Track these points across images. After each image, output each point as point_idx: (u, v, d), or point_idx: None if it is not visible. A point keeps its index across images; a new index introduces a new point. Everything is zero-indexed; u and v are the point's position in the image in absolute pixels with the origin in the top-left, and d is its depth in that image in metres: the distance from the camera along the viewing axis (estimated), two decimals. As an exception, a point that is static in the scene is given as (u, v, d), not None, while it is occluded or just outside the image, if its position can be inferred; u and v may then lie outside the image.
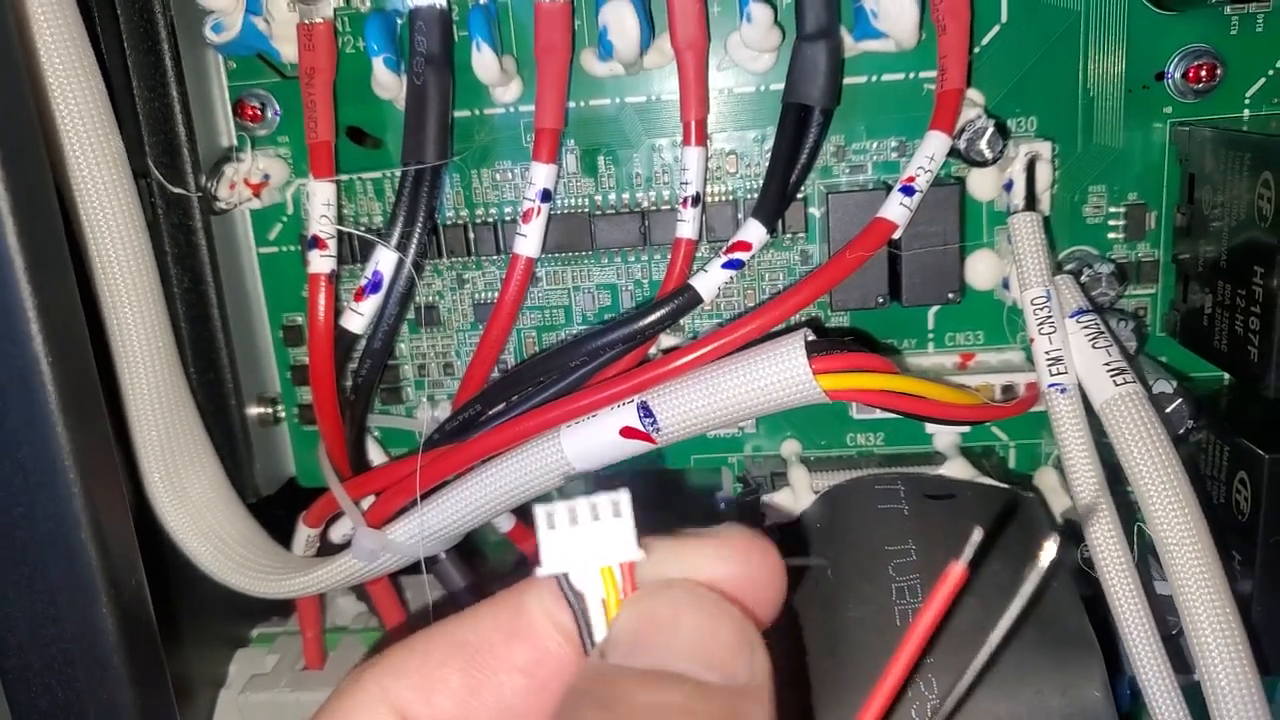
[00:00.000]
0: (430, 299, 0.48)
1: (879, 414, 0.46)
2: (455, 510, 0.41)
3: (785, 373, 0.38)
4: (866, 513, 0.42)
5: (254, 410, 0.50)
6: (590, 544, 0.24)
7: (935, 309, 0.46)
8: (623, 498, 0.24)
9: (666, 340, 0.46)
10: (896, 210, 0.39)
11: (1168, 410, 0.40)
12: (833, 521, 0.42)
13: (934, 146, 0.39)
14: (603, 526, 0.24)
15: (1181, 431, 0.40)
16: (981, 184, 0.43)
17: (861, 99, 0.44)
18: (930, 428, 0.47)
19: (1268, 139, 0.38)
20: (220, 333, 0.47)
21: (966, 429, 0.46)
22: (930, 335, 0.46)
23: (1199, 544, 0.35)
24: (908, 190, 0.39)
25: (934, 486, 0.42)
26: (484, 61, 0.42)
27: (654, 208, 0.46)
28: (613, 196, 0.46)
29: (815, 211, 0.45)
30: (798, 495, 0.44)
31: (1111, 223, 0.44)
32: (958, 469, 0.45)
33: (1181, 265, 0.43)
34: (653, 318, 0.40)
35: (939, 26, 0.40)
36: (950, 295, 0.42)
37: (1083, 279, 0.42)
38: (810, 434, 0.48)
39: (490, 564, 0.55)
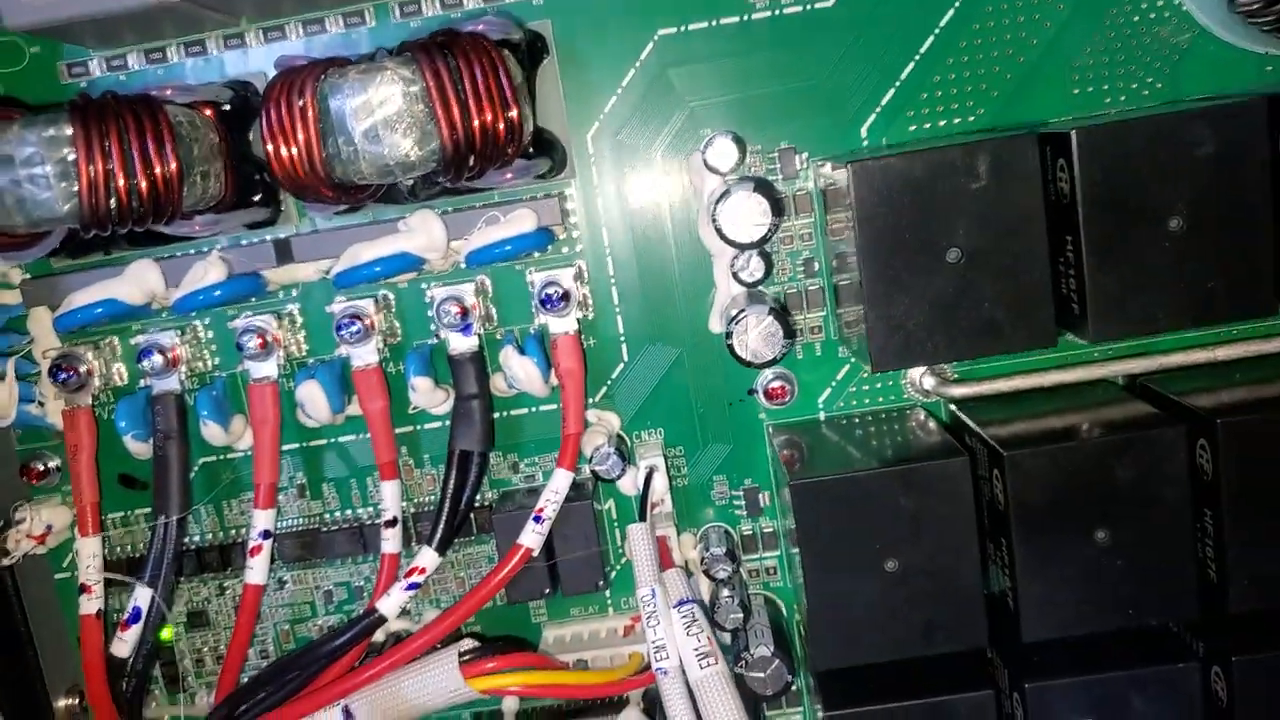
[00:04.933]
0: (198, 605, 0.58)
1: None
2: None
3: (445, 680, 0.48)
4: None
5: (62, 703, 0.59)
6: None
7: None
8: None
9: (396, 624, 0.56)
10: (530, 537, 0.50)
11: (766, 672, 0.50)
12: (521, 781, 0.52)
13: (559, 482, 0.50)
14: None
15: (781, 687, 0.50)
16: (626, 484, 0.54)
17: (529, 425, 0.55)
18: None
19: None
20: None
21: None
22: (609, 601, 0.57)
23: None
24: (538, 519, 0.50)
25: (600, 743, 0.52)
26: (210, 432, 0.53)
27: (370, 522, 0.56)
28: (337, 514, 0.56)
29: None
30: (506, 749, 0.54)
31: (735, 503, 0.56)
32: (631, 716, 0.54)
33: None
34: (343, 639, 0.50)
35: (559, 383, 0.52)
36: (598, 584, 0.53)
37: (704, 562, 0.53)
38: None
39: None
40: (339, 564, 0.57)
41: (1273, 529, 0.45)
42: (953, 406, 0.52)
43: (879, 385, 0.54)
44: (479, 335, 0.52)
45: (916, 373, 0.53)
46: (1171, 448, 0.44)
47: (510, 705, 0.57)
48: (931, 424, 0.51)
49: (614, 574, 0.56)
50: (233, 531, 0.57)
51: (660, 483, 0.53)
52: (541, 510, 0.50)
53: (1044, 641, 0.47)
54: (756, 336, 0.47)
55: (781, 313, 0.48)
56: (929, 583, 0.46)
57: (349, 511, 0.56)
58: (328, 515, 0.56)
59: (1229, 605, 0.45)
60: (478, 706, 0.58)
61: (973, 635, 0.46)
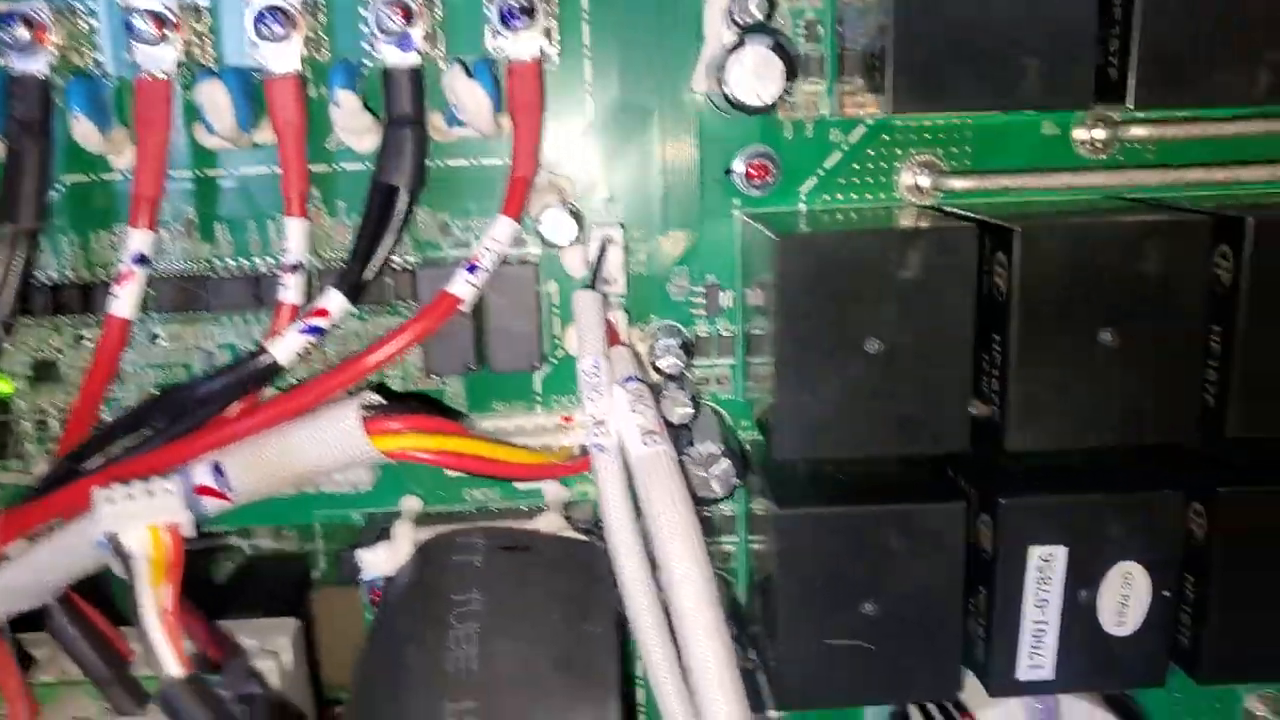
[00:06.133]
0: (49, 356, 0.49)
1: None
2: (24, 569, 0.42)
3: (342, 433, 0.40)
4: (443, 565, 0.44)
5: None
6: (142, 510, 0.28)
7: (541, 374, 0.50)
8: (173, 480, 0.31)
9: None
10: (461, 286, 0.43)
11: (713, 470, 0.44)
12: (416, 575, 0.45)
13: (500, 229, 0.43)
14: (155, 499, 0.28)
15: (729, 489, 0.45)
16: (574, 261, 0.48)
17: (465, 180, 0.48)
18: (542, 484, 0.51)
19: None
20: None
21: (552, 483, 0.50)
22: (538, 398, 0.50)
23: (702, 605, 0.39)
24: (472, 268, 0.43)
25: (512, 539, 0.46)
26: (83, 131, 0.43)
27: (270, 274, 0.48)
28: (231, 262, 0.48)
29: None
30: (396, 551, 0.47)
31: (694, 299, 0.49)
32: (549, 521, 0.48)
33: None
34: (220, 383, 0.42)
35: (512, 120, 0.44)
36: (533, 364, 0.46)
37: (653, 352, 0.47)
38: (430, 489, 0.51)
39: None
40: (227, 320, 0.48)
41: (1285, 352, 0.41)
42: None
43: (870, 181, 0.48)
44: (419, 55, 0.44)
45: (910, 172, 0.48)
46: (1194, 241, 0.40)
47: (411, 505, 0.50)
48: (929, 215, 0.46)
49: (550, 369, 0.49)
50: (100, 270, 0.48)
51: (616, 258, 0.47)
52: (477, 259, 0.43)
53: (1021, 460, 0.42)
54: (753, 70, 0.41)
55: (783, 47, 0.41)
56: (913, 372, 0.40)
57: (244, 261, 0.48)
58: (219, 262, 0.48)
59: (1226, 429, 0.42)
60: (368, 503, 0.50)
61: (954, 437, 0.41)
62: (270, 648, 0.48)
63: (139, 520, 0.29)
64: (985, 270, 0.41)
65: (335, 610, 0.57)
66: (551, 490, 0.50)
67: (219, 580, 0.58)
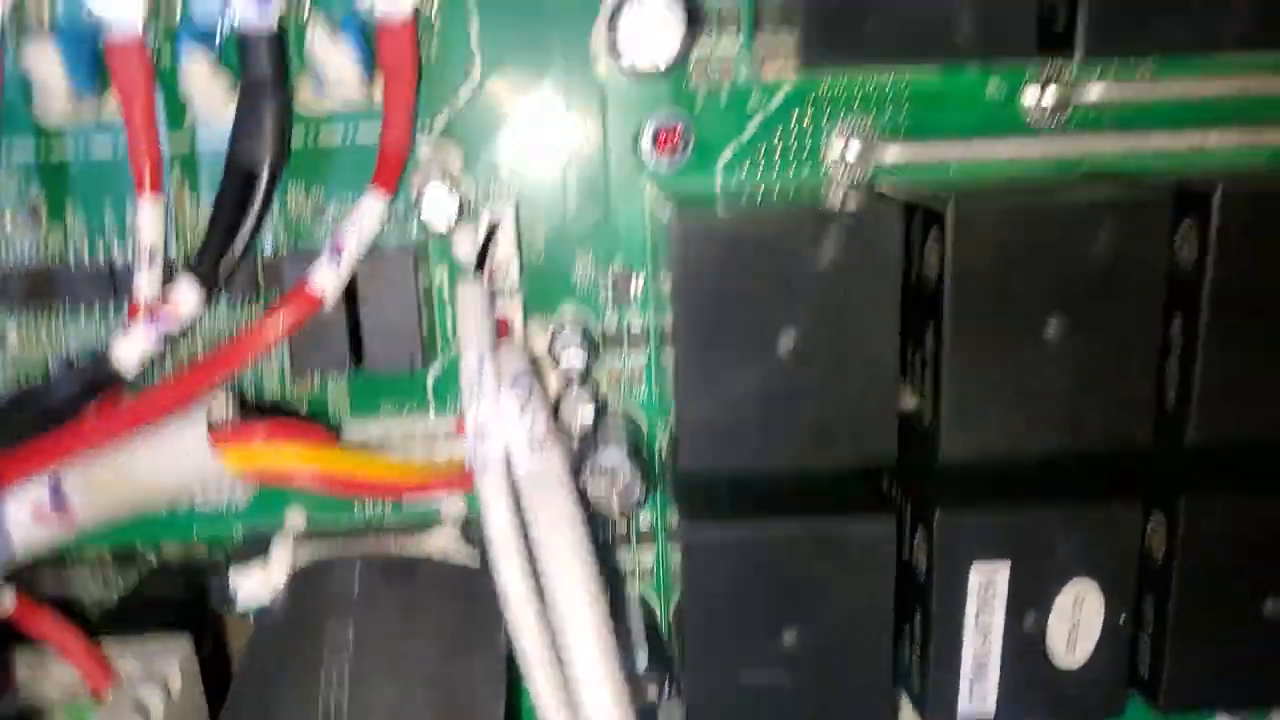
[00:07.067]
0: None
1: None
2: None
3: (188, 448, 0.36)
4: (317, 594, 0.40)
5: None
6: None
7: (433, 374, 0.45)
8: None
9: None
10: (326, 276, 0.37)
11: (616, 483, 0.40)
12: (288, 604, 0.40)
13: (369, 206, 0.38)
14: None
15: (631, 505, 0.40)
16: (464, 245, 0.42)
17: (339, 157, 0.42)
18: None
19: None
20: None
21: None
22: (430, 400, 0.45)
23: (589, 633, 0.34)
24: (335, 254, 0.38)
25: (392, 566, 0.41)
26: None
27: (126, 263, 0.43)
28: (83, 250, 0.43)
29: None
30: (272, 575, 0.42)
31: (599, 287, 0.44)
32: (442, 539, 0.43)
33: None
34: (59, 393, 0.37)
35: (384, 83, 0.39)
36: (413, 360, 0.41)
37: (553, 347, 0.42)
38: (315, 502, 0.46)
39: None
40: (82, 314, 0.43)
41: (1255, 344, 0.36)
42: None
43: (793, 155, 0.43)
44: (280, 14, 0.39)
45: (838, 144, 0.43)
46: (1153, 218, 0.35)
47: (295, 520, 0.46)
48: (855, 194, 0.40)
49: (439, 367, 0.44)
50: (-64, 262, 0.43)
51: (507, 243, 0.42)
52: (341, 244, 0.38)
53: (958, 466, 0.37)
54: (649, 22, 0.35)
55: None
56: (833, 372, 0.35)
57: (100, 246, 0.43)
58: (71, 251, 0.43)
59: (1186, 435, 0.37)
60: (252, 518, 0.46)
61: (880, 446, 0.36)
62: (155, 673, 0.43)
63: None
64: (914, 254, 0.37)
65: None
66: (448, 503, 0.45)
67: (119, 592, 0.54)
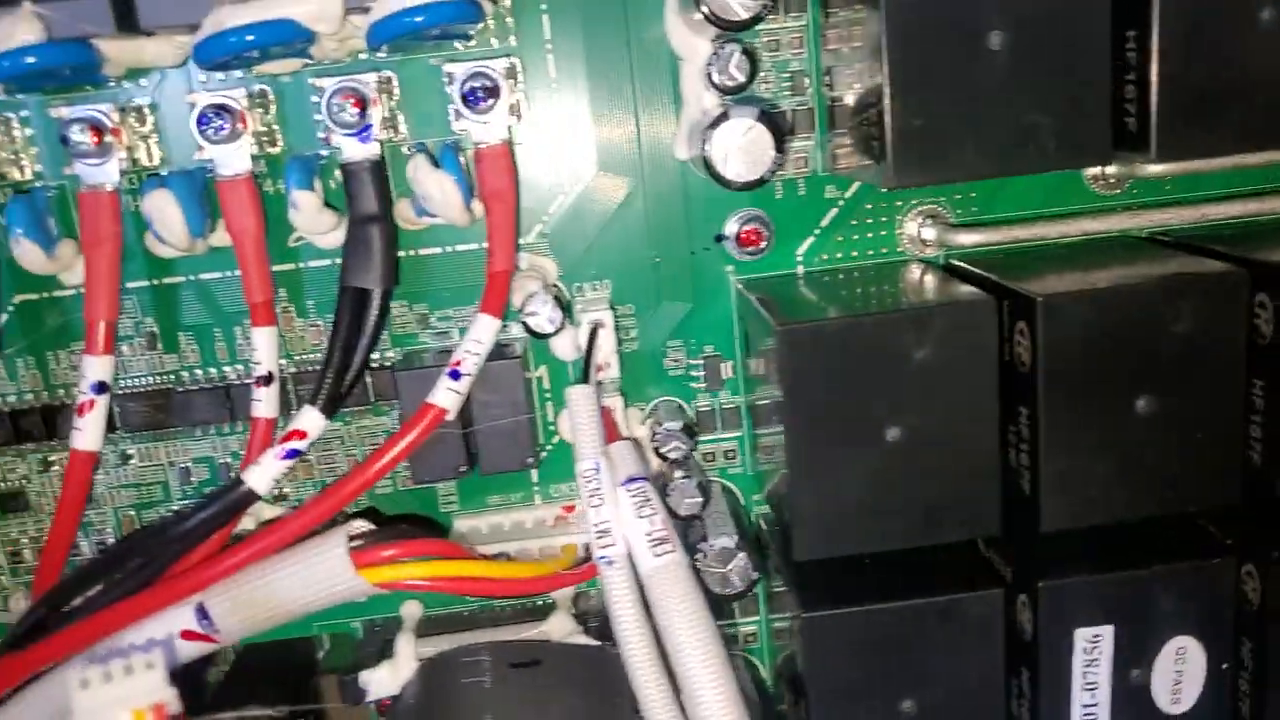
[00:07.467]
0: (14, 485, 0.46)
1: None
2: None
3: (330, 568, 0.38)
4: (449, 688, 0.42)
5: None
6: (123, 694, 0.27)
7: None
8: (155, 655, 0.28)
9: (269, 511, 0.45)
10: (444, 395, 0.39)
11: (729, 566, 0.42)
12: (422, 698, 0.42)
13: (482, 330, 0.40)
14: (136, 678, 0.27)
15: (745, 585, 0.42)
16: (563, 346, 0.44)
17: (438, 268, 0.45)
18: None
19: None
20: None
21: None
22: (536, 489, 0.47)
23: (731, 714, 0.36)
24: (454, 375, 0.40)
25: (519, 653, 0.43)
26: (25, 252, 0.40)
27: (239, 381, 0.45)
28: (199, 373, 0.45)
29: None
30: (399, 668, 0.44)
31: (693, 373, 0.46)
32: (558, 624, 0.45)
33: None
34: (199, 519, 0.39)
35: (485, 208, 0.41)
36: (528, 461, 0.43)
37: (655, 438, 0.44)
38: (430, 595, 0.48)
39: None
40: (199, 434, 0.46)
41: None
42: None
43: (870, 236, 0.45)
44: (380, 144, 0.41)
45: (913, 225, 0.45)
46: (1231, 296, 0.37)
47: (412, 611, 0.48)
48: (937, 275, 0.42)
49: (544, 455, 0.46)
50: (60, 391, 0.45)
51: (607, 342, 0.44)
52: (459, 363, 0.40)
53: (1058, 534, 0.39)
54: (740, 147, 0.37)
55: (771, 118, 0.38)
56: (937, 456, 0.37)
57: (212, 370, 0.45)
58: (185, 373, 0.45)
59: (1277, 489, 0.39)
60: (370, 612, 0.48)
61: (985, 521, 0.38)
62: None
63: (121, 706, 0.27)
64: (1005, 339, 0.38)
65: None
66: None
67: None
